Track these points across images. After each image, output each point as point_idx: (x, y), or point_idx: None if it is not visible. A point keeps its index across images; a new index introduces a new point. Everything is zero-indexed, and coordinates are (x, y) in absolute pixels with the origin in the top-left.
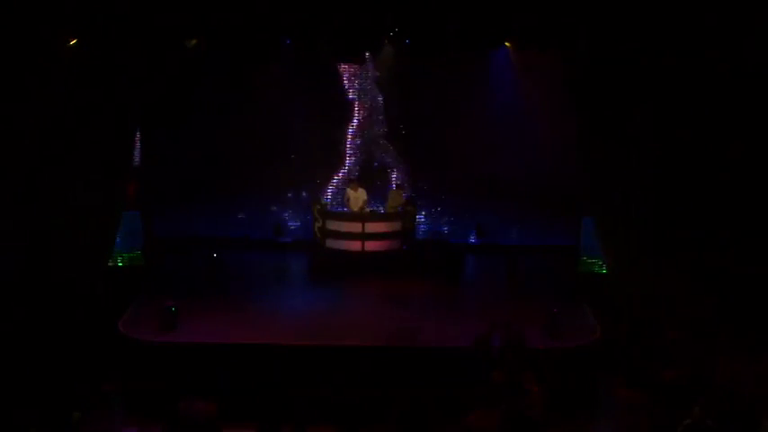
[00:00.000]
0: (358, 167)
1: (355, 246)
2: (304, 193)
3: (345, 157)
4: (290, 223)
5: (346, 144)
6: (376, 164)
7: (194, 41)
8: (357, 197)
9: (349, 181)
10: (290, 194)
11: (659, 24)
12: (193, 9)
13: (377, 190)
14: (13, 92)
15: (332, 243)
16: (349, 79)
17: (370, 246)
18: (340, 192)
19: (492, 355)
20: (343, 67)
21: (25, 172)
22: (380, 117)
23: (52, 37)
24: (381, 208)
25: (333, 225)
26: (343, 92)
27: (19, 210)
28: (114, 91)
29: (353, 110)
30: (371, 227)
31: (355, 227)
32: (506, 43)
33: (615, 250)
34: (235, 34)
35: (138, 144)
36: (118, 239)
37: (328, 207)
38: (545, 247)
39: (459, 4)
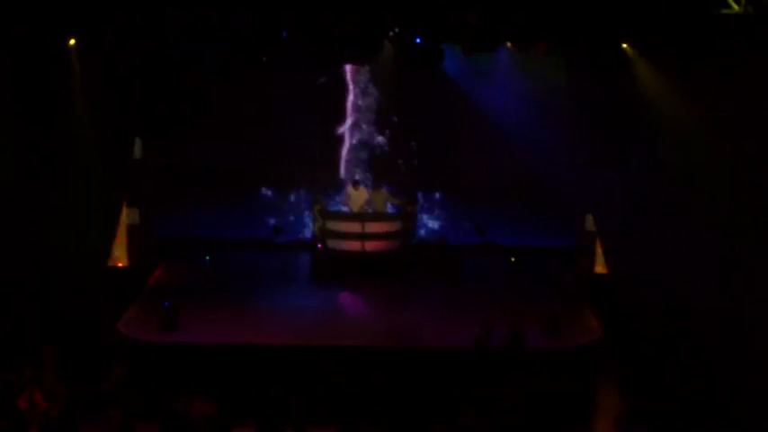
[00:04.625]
0: (356, 168)
1: (355, 246)
2: (304, 193)
3: (344, 157)
4: (288, 222)
5: (345, 144)
6: (373, 164)
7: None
8: (358, 197)
9: (350, 181)
10: (290, 194)
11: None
12: (194, 7)
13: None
14: (12, 92)
15: (332, 243)
16: (348, 79)
17: (370, 246)
18: (339, 191)
19: (491, 355)
20: (343, 66)
21: (24, 172)
22: (379, 117)
23: (51, 37)
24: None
25: (333, 225)
26: (343, 91)
27: (19, 210)
28: (114, 90)
29: (352, 110)
30: (371, 227)
31: (355, 227)
32: (507, 43)
33: (615, 250)
34: (234, 33)
35: (137, 143)
36: None
37: (327, 207)
38: (545, 247)
39: (460, 4)
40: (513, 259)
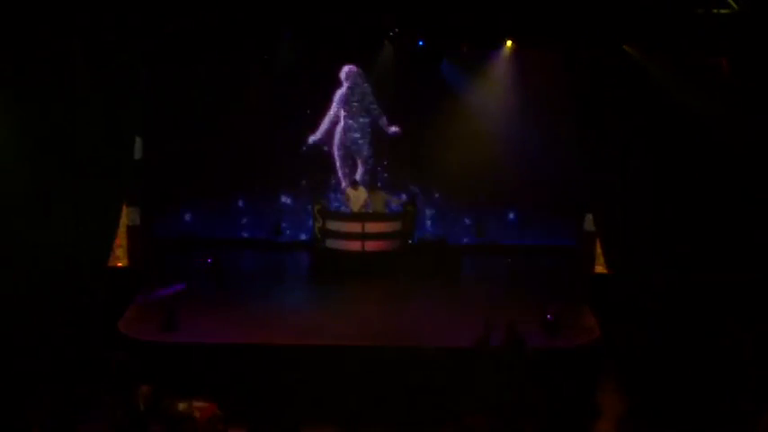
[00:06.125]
0: (355, 168)
1: (355, 246)
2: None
3: (342, 156)
4: (286, 223)
5: (344, 144)
6: (370, 163)
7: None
8: (357, 197)
9: (350, 181)
10: (289, 193)
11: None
12: (194, 7)
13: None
14: (13, 92)
15: (332, 243)
16: (347, 78)
17: (371, 246)
18: (338, 191)
19: (491, 356)
20: (343, 66)
21: (25, 172)
22: (378, 117)
23: (52, 37)
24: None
25: (333, 225)
26: (342, 91)
27: (19, 209)
28: (114, 91)
29: (351, 110)
30: (371, 227)
31: (355, 227)
32: (508, 42)
33: (615, 250)
34: (235, 33)
35: (138, 143)
36: None
37: (327, 207)
38: (545, 247)
39: (461, 3)
40: (508, 260)
